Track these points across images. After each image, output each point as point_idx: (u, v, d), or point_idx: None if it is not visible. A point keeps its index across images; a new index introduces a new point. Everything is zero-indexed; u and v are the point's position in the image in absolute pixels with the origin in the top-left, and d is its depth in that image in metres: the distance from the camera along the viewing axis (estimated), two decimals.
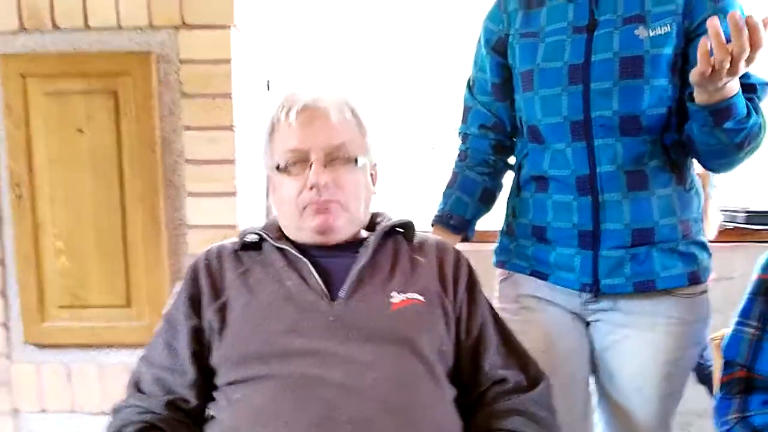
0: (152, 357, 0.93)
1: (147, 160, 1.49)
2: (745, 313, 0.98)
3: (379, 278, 0.93)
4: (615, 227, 1.03)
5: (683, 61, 1.00)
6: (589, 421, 1.18)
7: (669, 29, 0.99)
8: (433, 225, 1.21)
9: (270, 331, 0.87)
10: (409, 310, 0.90)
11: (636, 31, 1.00)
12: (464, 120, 1.22)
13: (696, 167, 1.10)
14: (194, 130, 1.50)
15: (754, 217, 1.79)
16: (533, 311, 1.14)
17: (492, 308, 1.00)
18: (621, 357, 1.09)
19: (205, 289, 0.93)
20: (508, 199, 1.20)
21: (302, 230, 0.95)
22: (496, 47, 1.13)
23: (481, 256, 1.17)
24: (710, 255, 1.10)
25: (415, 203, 1.71)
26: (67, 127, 1.49)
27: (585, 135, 1.03)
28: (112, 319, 1.53)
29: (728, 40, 0.81)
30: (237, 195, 1.52)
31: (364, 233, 1.00)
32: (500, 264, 1.20)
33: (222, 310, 0.91)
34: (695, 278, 1.06)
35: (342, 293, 0.90)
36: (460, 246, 1.10)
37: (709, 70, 0.84)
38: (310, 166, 0.91)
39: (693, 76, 0.87)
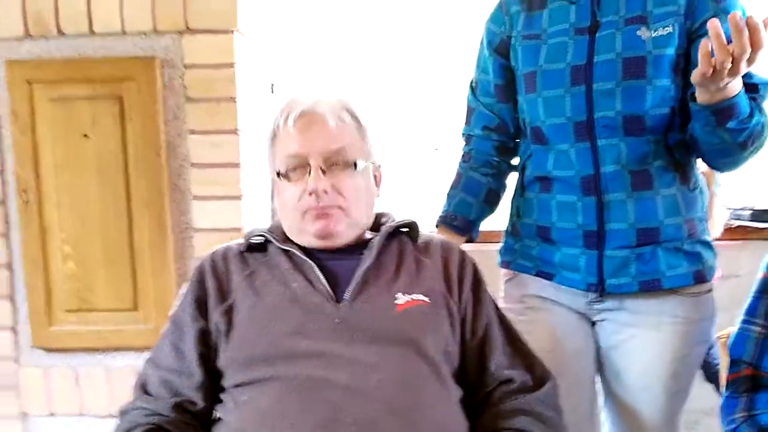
0: (159, 359, 0.94)
1: (152, 165, 1.50)
2: (750, 312, 0.98)
3: (384, 279, 0.93)
4: (620, 227, 1.03)
5: (686, 61, 1.00)
6: (595, 420, 1.18)
7: (671, 30, 0.99)
8: (437, 226, 1.21)
9: (276, 333, 0.88)
10: (414, 311, 0.90)
11: (638, 32, 1.00)
12: (467, 121, 1.22)
13: (701, 166, 1.10)
14: (199, 134, 1.51)
15: (759, 215, 1.79)
16: (538, 311, 1.14)
17: (497, 308, 1.00)
18: (627, 356, 1.09)
19: (211, 291, 0.94)
20: (512, 199, 1.21)
21: (304, 234, 0.95)
22: (499, 49, 1.14)
23: (485, 256, 1.17)
24: (715, 254, 1.10)
25: (420, 204, 1.71)
26: (73, 132, 1.50)
27: (588, 135, 1.03)
28: (119, 322, 1.54)
29: (729, 41, 0.81)
30: (242, 198, 1.53)
31: (368, 234, 1.00)
32: (505, 264, 1.20)
33: (228, 312, 0.92)
34: (701, 277, 1.06)
35: (347, 295, 0.90)
36: (465, 246, 1.11)
37: (711, 70, 0.84)
38: (309, 171, 0.92)
39: (694, 76, 0.88)
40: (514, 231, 1.19)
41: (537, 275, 1.14)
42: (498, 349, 0.95)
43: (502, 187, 1.23)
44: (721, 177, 1.58)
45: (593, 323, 1.13)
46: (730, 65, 0.83)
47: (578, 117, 1.03)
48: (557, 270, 1.10)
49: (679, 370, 1.07)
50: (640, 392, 1.09)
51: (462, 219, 1.19)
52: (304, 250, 0.95)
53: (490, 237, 1.43)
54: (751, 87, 0.96)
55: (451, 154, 1.31)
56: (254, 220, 1.59)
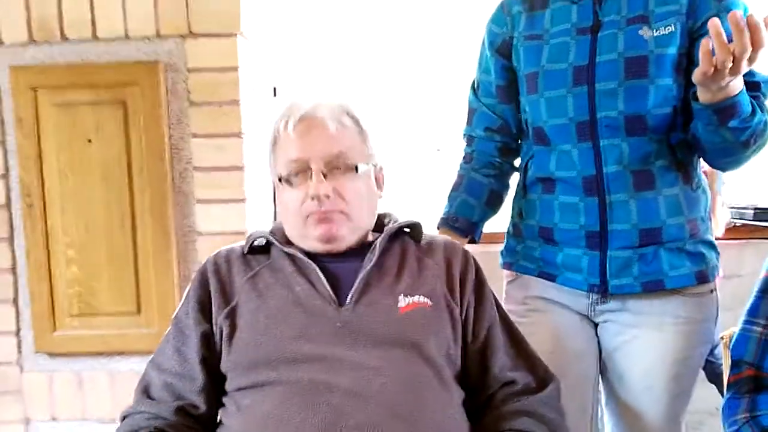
0: (161, 362, 0.94)
1: (156, 169, 1.51)
2: (752, 312, 0.98)
3: (386, 282, 0.93)
4: (622, 227, 1.03)
5: (688, 60, 1.01)
6: (597, 422, 1.18)
7: (673, 29, 0.99)
8: (438, 228, 1.21)
9: (279, 336, 0.88)
10: (417, 314, 0.90)
11: (640, 32, 1.00)
12: (469, 122, 1.22)
13: (703, 165, 1.10)
14: (202, 138, 1.52)
15: (762, 214, 1.78)
16: (541, 312, 1.14)
17: (500, 309, 1.00)
18: (630, 357, 1.09)
19: (214, 293, 0.94)
20: (514, 200, 1.20)
21: (307, 239, 0.95)
22: (501, 50, 1.14)
23: (488, 257, 1.17)
24: (718, 254, 1.10)
25: (422, 205, 1.71)
26: (77, 137, 1.50)
27: (591, 136, 1.03)
28: (123, 326, 1.54)
29: (730, 40, 0.82)
30: (246, 201, 1.53)
31: (371, 236, 1.00)
32: (507, 265, 1.20)
33: (231, 315, 0.92)
34: (703, 277, 1.06)
35: (349, 299, 0.90)
36: (467, 247, 1.11)
37: (712, 69, 0.84)
38: (311, 176, 0.92)
39: (696, 76, 0.88)
40: (516, 232, 1.19)
41: (539, 276, 1.14)
42: (500, 351, 0.95)
43: (504, 188, 1.23)
44: (723, 176, 1.58)
45: (596, 325, 1.13)
46: (731, 64, 0.83)
47: (580, 117, 1.03)
48: (560, 271, 1.10)
49: (681, 370, 1.07)
50: (642, 393, 1.09)
51: (464, 220, 1.19)
52: (307, 253, 0.95)
53: (492, 238, 1.43)
54: (752, 85, 0.96)
55: (452, 155, 1.31)
56: (258, 224, 1.59)
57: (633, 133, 1.02)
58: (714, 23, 0.81)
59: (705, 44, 0.83)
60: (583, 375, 1.12)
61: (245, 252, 0.98)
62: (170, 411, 0.89)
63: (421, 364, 0.87)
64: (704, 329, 1.08)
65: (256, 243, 0.98)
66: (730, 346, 1.00)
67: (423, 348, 0.88)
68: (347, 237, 0.95)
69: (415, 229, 1.01)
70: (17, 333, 1.59)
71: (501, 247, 1.22)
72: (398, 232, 1.00)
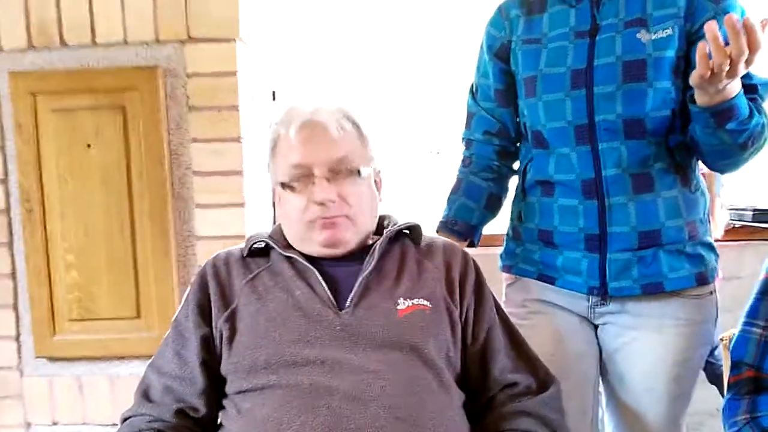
0: (161, 366, 0.94)
1: (155, 174, 1.51)
2: (752, 313, 0.98)
3: (386, 285, 0.93)
4: (621, 230, 1.04)
5: (686, 63, 1.01)
6: (598, 423, 1.18)
7: (671, 32, 0.99)
8: (437, 231, 1.21)
9: (278, 340, 0.88)
10: (416, 317, 0.90)
11: (638, 35, 1.00)
12: (468, 126, 1.22)
13: (701, 168, 1.10)
14: (202, 143, 1.52)
15: (761, 215, 1.79)
16: (541, 315, 1.14)
17: (500, 311, 1.00)
18: (630, 359, 1.09)
19: (213, 296, 0.94)
20: (513, 203, 1.21)
21: (310, 243, 0.95)
22: (499, 53, 1.14)
23: (488, 259, 1.17)
24: (717, 256, 1.10)
25: (421, 208, 1.72)
26: (76, 142, 1.51)
27: (589, 139, 1.04)
28: (123, 331, 1.54)
29: (727, 43, 0.82)
30: (245, 206, 1.53)
31: (371, 239, 1.00)
32: (507, 268, 1.20)
33: (231, 318, 0.92)
34: (703, 279, 1.06)
35: (348, 302, 0.90)
36: (466, 250, 1.11)
37: (709, 72, 0.84)
38: (314, 181, 0.92)
39: (693, 78, 0.88)
40: (515, 235, 1.19)
41: (539, 279, 1.14)
42: (501, 353, 0.95)
43: (503, 191, 1.23)
44: (722, 178, 1.58)
45: (596, 327, 1.13)
46: (728, 67, 0.83)
47: (579, 120, 1.04)
48: (559, 274, 1.11)
49: (681, 372, 1.07)
50: (642, 395, 1.09)
51: (463, 224, 1.19)
52: (306, 256, 0.95)
53: (492, 240, 1.43)
54: (750, 88, 0.96)
55: (451, 158, 1.32)
56: (257, 228, 1.59)
57: (631, 136, 1.02)
58: (710, 27, 0.81)
59: (702, 47, 0.83)
60: (583, 377, 1.12)
61: (244, 255, 0.98)
62: (170, 413, 0.90)
63: (421, 367, 0.87)
64: (704, 331, 1.08)
65: (255, 246, 0.98)
66: (730, 348, 1.00)
67: (422, 351, 0.88)
68: (351, 241, 0.95)
69: (414, 231, 1.01)
70: (17, 338, 1.59)
71: (500, 249, 1.22)
72: (398, 235, 1.00)
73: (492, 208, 1.22)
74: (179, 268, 1.55)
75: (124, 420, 0.92)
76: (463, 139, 1.24)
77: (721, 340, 1.08)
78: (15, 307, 1.58)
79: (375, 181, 1.00)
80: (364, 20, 1.95)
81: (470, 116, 1.22)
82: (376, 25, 1.97)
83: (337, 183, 0.92)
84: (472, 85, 1.22)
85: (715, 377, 1.35)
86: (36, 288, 1.54)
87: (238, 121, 1.51)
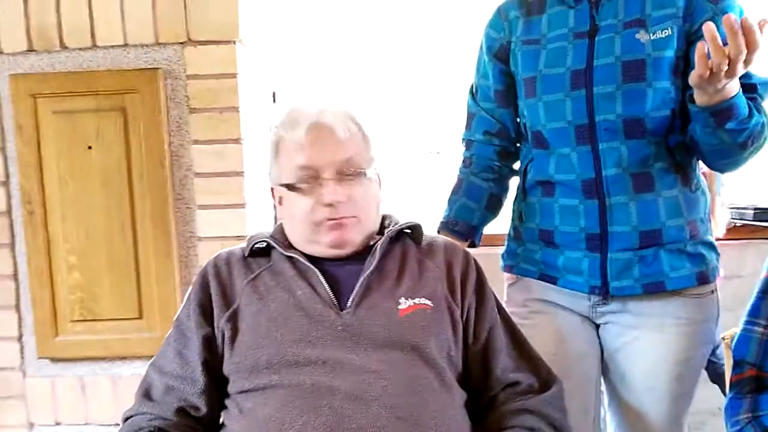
0: (163, 365, 0.94)
1: (156, 175, 1.51)
2: (753, 312, 0.98)
3: (387, 285, 0.93)
4: (622, 229, 1.04)
5: (685, 63, 1.01)
6: (600, 423, 1.18)
7: (670, 32, 0.99)
8: (438, 231, 1.21)
9: (280, 340, 0.88)
10: (417, 316, 0.91)
11: (637, 35, 1.00)
12: (468, 127, 1.22)
13: (702, 167, 1.10)
14: (202, 144, 1.53)
15: (762, 214, 1.78)
16: (542, 315, 1.14)
17: (502, 311, 1.00)
18: (631, 358, 1.09)
19: (215, 296, 0.94)
20: (514, 203, 1.21)
21: (316, 244, 0.95)
22: (498, 54, 1.14)
23: (489, 259, 1.17)
24: (718, 255, 1.10)
25: (421, 208, 1.72)
26: (77, 144, 1.51)
27: (590, 139, 1.04)
28: (125, 331, 1.55)
29: (725, 43, 0.82)
30: (246, 206, 1.54)
31: (372, 239, 1.01)
32: (508, 268, 1.20)
33: (233, 318, 0.92)
34: (704, 278, 1.06)
35: (350, 302, 0.91)
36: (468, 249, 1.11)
37: (708, 72, 0.85)
38: (321, 183, 0.92)
39: (692, 78, 0.88)
40: (516, 235, 1.19)
41: (540, 279, 1.14)
42: (503, 353, 0.95)
43: (503, 191, 1.23)
44: (722, 177, 1.58)
45: (597, 326, 1.13)
46: (726, 67, 0.83)
47: (579, 121, 1.04)
48: (560, 273, 1.11)
49: (683, 371, 1.07)
50: (644, 394, 1.09)
51: (464, 224, 1.20)
52: (308, 256, 0.95)
53: (493, 240, 1.44)
54: (749, 87, 0.96)
55: (451, 158, 1.32)
56: (258, 228, 1.59)
57: (632, 136, 1.02)
58: (708, 27, 0.81)
59: (700, 47, 0.83)
60: (585, 376, 1.12)
61: (246, 255, 0.98)
62: (171, 412, 0.90)
63: (422, 367, 0.88)
64: (705, 330, 1.09)
65: (256, 245, 0.98)
66: (732, 347, 1.00)
67: (424, 350, 0.88)
68: (357, 242, 0.95)
69: (415, 230, 1.01)
70: (20, 339, 1.60)
71: (501, 249, 1.23)
72: (399, 234, 1.00)
73: (493, 208, 1.22)
74: (181, 268, 1.55)
75: (126, 419, 0.92)
76: (463, 139, 1.24)
77: (723, 339, 1.08)
78: (17, 308, 1.59)
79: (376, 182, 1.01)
80: (364, 21, 1.96)
81: (470, 117, 1.22)
82: (376, 25, 1.97)
83: (344, 184, 0.93)
84: (472, 86, 1.22)
85: (716, 376, 1.35)
86: (38, 289, 1.55)
87: (239, 123, 1.51)
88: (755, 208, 1.79)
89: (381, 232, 1.00)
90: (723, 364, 1.14)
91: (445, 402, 0.88)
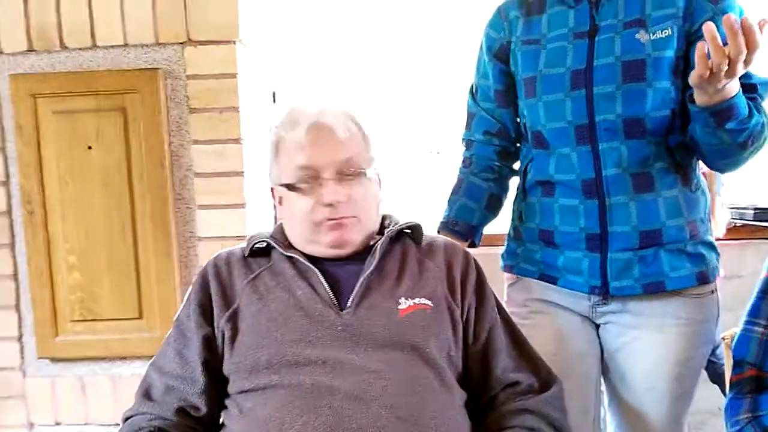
0: (163, 365, 0.94)
1: (156, 175, 1.51)
2: (753, 312, 0.98)
3: (387, 285, 0.93)
4: (622, 229, 1.04)
5: (685, 63, 1.01)
6: (600, 423, 1.18)
7: (670, 32, 1.00)
8: (438, 231, 1.21)
9: (280, 340, 0.88)
10: (417, 316, 0.91)
11: (637, 35, 1.00)
12: (468, 127, 1.22)
13: (702, 167, 1.10)
14: (202, 144, 1.53)
15: (762, 214, 1.79)
16: (542, 315, 1.14)
17: (502, 311, 1.00)
18: (631, 358, 1.09)
19: (215, 296, 0.94)
20: (514, 203, 1.21)
21: (316, 245, 0.95)
22: (498, 54, 1.14)
23: (489, 259, 1.17)
24: (718, 255, 1.10)
25: (422, 208, 1.72)
26: (77, 144, 1.51)
27: (590, 139, 1.04)
28: (125, 331, 1.55)
29: (725, 43, 0.82)
30: (246, 206, 1.54)
31: (372, 239, 1.01)
32: (508, 268, 1.20)
33: (233, 318, 0.92)
34: (704, 278, 1.06)
35: (350, 302, 0.91)
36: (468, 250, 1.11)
37: (708, 72, 0.85)
38: (321, 183, 0.92)
39: (692, 78, 0.88)
40: (516, 235, 1.19)
41: (540, 279, 1.14)
42: (503, 353, 0.95)
43: (503, 191, 1.23)
44: (722, 177, 1.58)
45: (597, 326, 1.13)
46: (726, 67, 0.83)
47: (579, 121, 1.04)
48: (561, 273, 1.11)
49: (683, 371, 1.07)
50: (644, 394, 1.09)
51: (464, 224, 1.20)
52: (308, 256, 0.95)
53: (494, 240, 1.44)
54: (749, 87, 0.96)
55: (451, 158, 1.32)
56: (258, 228, 1.59)
57: (632, 136, 1.02)
58: (708, 27, 0.81)
59: (700, 47, 0.83)
60: (585, 376, 1.13)
61: (246, 254, 0.98)
62: (171, 411, 0.90)
63: (422, 367, 0.88)
64: (705, 330, 1.09)
65: (256, 246, 0.98)
66: (732, 347, 1.00)
67: (424, 350, 0.88)
68: (357, 242, 0.95)
69: (415, 230, 1.01)
70: (20, 339, 1.60)
71: (501, 249, 1.23)
72: (399, 234, 1.00)
73: (492, 208, 1.22)
74: (181, 268, 1.55)
75: (126, 419, 0.92)
76: (463, 139, 1.24)
77: (723, 339, 1.08)
78: (17, 308, 1.59)
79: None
80: (364, 21, 1.96)
81: (470, 117, 1.22)
82: (376, 26, 1.97)
83: (344, 184, 0.93)
84: (472, 86, 1.22)
85: (716, 376, 1.35)
86: (38, 289, 1.55)
87: (239, 123, 1.51)
88: (755, 208, 1.79)
89: (381, 232, 1.00)
90: (723, 364, 1.14)
91: (445, 402, 0.88)
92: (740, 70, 0.85)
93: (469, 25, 1.46)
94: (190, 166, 1.54)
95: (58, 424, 1.61)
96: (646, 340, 1.07)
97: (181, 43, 1.50)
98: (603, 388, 1.18)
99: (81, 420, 1.60)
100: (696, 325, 1.07)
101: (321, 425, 0.81)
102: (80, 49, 1.52)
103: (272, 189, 1.01)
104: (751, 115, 0.95)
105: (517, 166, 1.22)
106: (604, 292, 1.07)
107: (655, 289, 1.04)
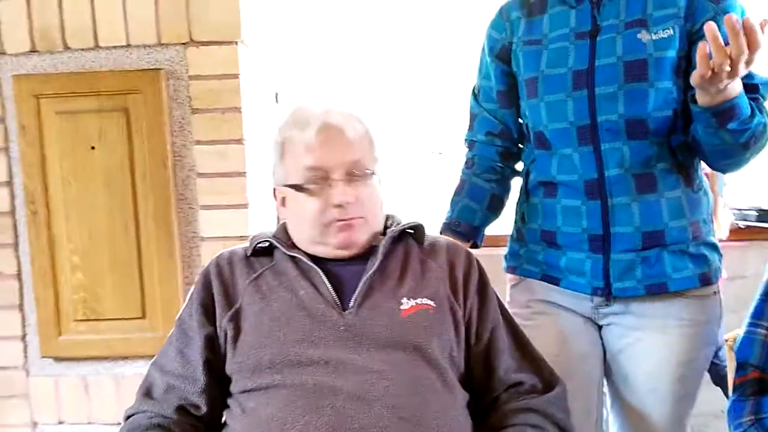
0: (164, 364, 0.94)
1: (159, 175, 1.52)
2: (757, 314, 0.98)
3: (389, 285, 0.93)
4: (625, 230, 1.04)
5: (687, 63, 1.01)
6: (602, 425, 1.18)
7: (671, 32, 0.99)
8: (441, 232, 1.21)
9: (282, 340, 0.88)
10: (420, 316, 0.91)
11: (638, 35, 1.00)
12: (470, 127, 1.22)
13: (704, 167, 1.10)
14: (205, 145, 1.53)
15: (765, 215, 1.78)
16: (545, 316, 1.14)
17: (504, 311, 1.00)
18: (635, 359, 1.09)
19: (217, 296, 0.94)
20: (517, 204, 1.21)
21: (323, 246, 0.95)
22: (500, 55, 1.14)
23: (491, 260, 1.17)
24: (721, 256, 1.10)
25: (424, 208, 1.72)
26: (80, 144, 1.51)
27: (592, 139, 1.03)
28: (128, 331, 1.55)
29: (727, 43, 0.82)
30: (248, 207, 1.54)
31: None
32: (511, 269, 1.20)
33: (236, 318, 0.92)
34: (706, 279, 1.06)
35: (352, 302, 0.91)
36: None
37: (709, 72, 0.84)
38: (330, 184, 0.92)
39: (693, 78, 0.88)
40: (519, 236, 1.19)
41: (543, 280, 1.14)
42: (505, 353, 0.95)
43: (506, 192, 1.23)
44: (724, 177, 1.58)
45: (600, 327, 1.13)
46: (728, 67, 0.83)
47: (581, 121, 1.04)
48: (563, 275, 1.11)
49: (685, 372, 1.07)
50: (646, 395, 1.09)
51: (466, 225, 1.19)
52: (311, 256, 0.95)
53: (496, 241, 1.43)
54: (751, 87, 0.96)
55: (454, 159, 1.32)
56: (261, 228, 1.59)
57: (634, 137, 1.02)
58: (710, 27, 0.81)
59: (702, 48, 0.83)
60: (587, 377, 1.12)
61: (248, 254, 0.98)
62: (171, 409, 0.90)
63: (424, 367, 0.88)
64: (708, 331, 1.08)
65: (259, 245, 0.98)
66: (735, 349, 1.00)
67: (426, 350, 0.88)
68: (363, 242, 0.95)
69: (418, 230, 1.01)
70: (23, 338, 1.60)
71: (504, 250, 1.22)
72: (401, 234, 1.00)
73: (495, 209, 1.22)
74: (183, 268, 1.56)
75: (127, 418, 0.93)
76: (465, 140, 1.24)
77: (726, 341, 1.08)
78: (21, 308, 1.60)
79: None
80: (366, 22, 1.96)
81: (473, 118, 1.22)
82: (378, 26, 1.97)
83: (354, 186, 0.93)
84: (474, 87, 1.22)
85: (719, 378, 1.35)
86: (41, 289, 1.56)
87: (241, 123, 1.52)
88: (758, 210, 1.79)
89: (384, 232, 1.00)
90: (725, 366, 1.13)
91: (447, 402, 0.88)
92: (742, 71, 0.84)
93: (471, 26, 1.46)
94: (193, 166, 1.54)
95: (60, 423, 1.61)
96: (648, 342, 1.07)
97: (183, 44, 1.51)
98: (605, 389, 1.18)
99: (84, 419, 1.60)
100: (698, 326, 1.07)
101: (323, 425, 0.81)
102: (83, 49, 1.52)
103: (274, 189, 1.01)
104: (753, 115, 0.94)
105: (519, 166, 1.22)
106: (606, 294, 1.07)
107: (657, 290, 1.04)
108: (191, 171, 1.55)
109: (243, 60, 1.52)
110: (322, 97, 1.01)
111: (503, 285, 1.20)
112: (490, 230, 1.25)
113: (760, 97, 0.98)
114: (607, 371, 1.15)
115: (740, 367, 0.98)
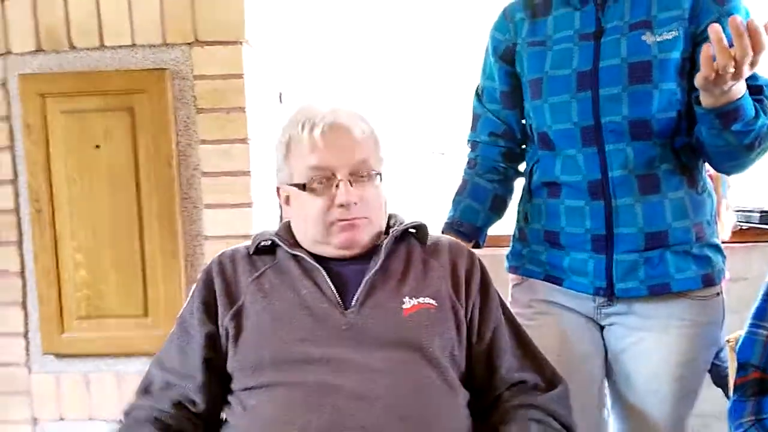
0: (164, 361, 0.95)
1: (164, 174, 1.52)
2: (758, 315, 0.98)
3: (391, 284, 0.93)
4: (628, 231, 1.04)
5: (691, 65, 1.01)
6: (603, 424, 1.18)
7: (676, 34, 0.99)
8: (443, 232, 1.21)
9: (284, 339, 0.88)
10: (421, 316, 0.91)
11: (643, 37, 1.00)
12: (473, 128, 1.22)
13: (708, 169, 1.10)
14: (209, 144, 1.54)
15: None
16: (547, 316, 1.14)
17: (506, 310, 1.00)
18: (636, 359, 1.09)
19: (219, 294, 0.94)
20: (520, 204, 1.21)
21: (326, 245, 0.95)
22: (504, 56, 1.15)
23: (494, 260, 1.17)
24: (724, 257, 1.10)
25: (427, 208, 1.72)
26: (85, 143, 1.52)
27: (596, 140, 1.04)
28: (130, 328, 1.56)
29: (731, 45, 0.82)
30: (252, 206, 1.55)
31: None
32: (513, 269, 1.20)
33: (238, 316, 0.92)
34: (709, 280, 1.06)
35: (354, 301, 0.91)
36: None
37: (713, 74, 0.84)
38: (336, 184, 0.92)
39: (698, 80, 0.88)
40: (521, 236, 1.19)
41: (545, 280, 1.14)
42: (507, 353, 0.95)
43: (508, 193, 1.23)
44: (728, 179, 1.58)
45: (602, 327, 1.13)
46: (732, 69, 0.83)
47: (585, 122, 1.04)
48: (566, 275, 1.11)
49: (685, 373, 1.07)
50: (648, 395, 1.09)
51: (468, 225, 1.19)
52: (313, 255, 0.95)
53: (499, 241, 1.43)
54: (756, 89, 0.96)
55: (457, 159, 1.32)
56: (265, 228, 1.60)
57: (638, 138, 1.02)
58: (714, 28, 0.81)
59: (706, 49, 0.83)
60: (588, 377, 1.12)
61: (251, 253, 0.99)
62: (169, 404, 0.91)
63: (426, 366, 0.88)
64: (710, 332, 1.08)
65: (262, 244, 0.98)
66: (736, 349, 1.00)
67: (427, 350, 0.88)
68: (366, 242, 0.95)
69: (420, 230, 1.01)
70: (26, 335, 1.61)
71: (506, 250, 1.23)
72: (404, 234, 1.00)
73: (497, 209, 1.22)
74: (187, 267, 1.56)
75: (126, 414, 0.93)
76: (468, 140, 1.24)
77: (727, 341, 1.08)
78: (24, 305, 1.60)
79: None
80: (370, 22, 1.96)
81: (476, 118, 1.22)
82: (382, 26, 1.97)
83: (359, 186, 0.93)
84: (478, 87, 1.22)
85: (720, 379, 1.35)
86: (45, 286, 1.56)
87: (246, 123, 1.52)
88: (761, 211, 1.78)
89: (386, 231, 1.00)
90: (727, 367, 1.14)
91: (448, 401, 0.88)
92: (746, 72, 0.84)
93: (475, 27, 1.46)
94: (197, 165, 1.55)
95: (62, 419, 1.62)
96: (651, 342, 1.07)
97: (188, 44, 1.52)
98: (606, 390, 1.18)
99: (85, 416, 1.61)
100: (699, 327, 1.07)
101: (324, 423, 0.81)
102: (88, 49, 1.53)
103: (278, 188, 1.01)
104: (757, 116, 0.94)
105: (522, 167, 1.22)
106: (609, 294, 1.07)
107: (660, 290, 1.04)
108: (196, 170, 1.55)
109: (247, 60, 1.53)
110: (326, 97, 1.01)
111: (504, 285, 1.20)
112: (492, 230, 1.25)
113: (765, 99, 0.98)
114: (609, 371, 1.15)
115: (741, 367, 0.98)
